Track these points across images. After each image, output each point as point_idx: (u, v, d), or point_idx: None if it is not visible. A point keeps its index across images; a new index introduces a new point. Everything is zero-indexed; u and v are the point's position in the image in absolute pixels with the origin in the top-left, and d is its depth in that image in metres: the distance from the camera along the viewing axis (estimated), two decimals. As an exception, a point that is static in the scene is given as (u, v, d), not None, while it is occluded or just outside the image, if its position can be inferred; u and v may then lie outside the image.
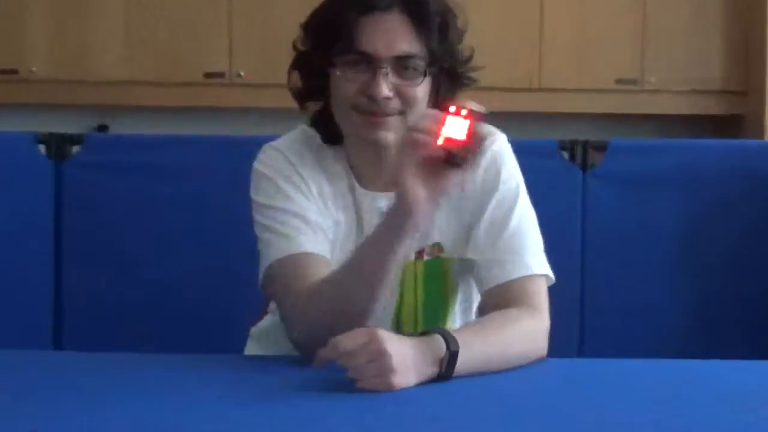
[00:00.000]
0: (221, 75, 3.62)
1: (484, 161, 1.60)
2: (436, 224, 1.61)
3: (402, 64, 1.51)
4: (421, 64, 1.52)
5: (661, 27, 3.66)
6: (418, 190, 1.36)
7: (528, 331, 1.49)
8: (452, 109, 1.33)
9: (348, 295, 1.45)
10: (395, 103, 1.52)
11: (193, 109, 3.70)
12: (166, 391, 1.33)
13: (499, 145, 1.63)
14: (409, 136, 1.36)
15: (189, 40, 3.62)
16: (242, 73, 3.60)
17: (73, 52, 3.58)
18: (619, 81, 3.64)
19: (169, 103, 3.66)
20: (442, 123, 1.33)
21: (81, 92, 3.61)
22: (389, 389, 1.30)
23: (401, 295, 1.61)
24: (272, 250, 1.55)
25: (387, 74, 1.50)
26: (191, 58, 3.61)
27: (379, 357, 1.30)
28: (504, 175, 1.61)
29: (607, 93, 3.65)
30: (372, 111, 1.52)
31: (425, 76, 1.53)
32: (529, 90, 3.62)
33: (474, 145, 1.34)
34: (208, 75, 3.62)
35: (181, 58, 3.61)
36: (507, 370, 1.44)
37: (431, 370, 1.35)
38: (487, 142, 1.61)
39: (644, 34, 3.65)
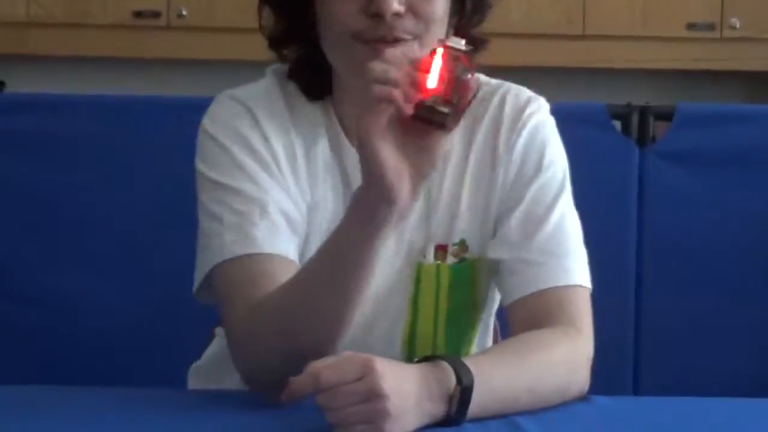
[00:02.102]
0: (156, 14, 3.63)
1: (523, 136, 1.62)
2: (460, 215, 1.63)
3: None
4: None
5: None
6: (397, 166, 1.34)
7: (567, 359, 1.51)
8: (436, 52, 1.32)
9: (303, 318, 1.44)
10: (408, 24, 1.53)
11: (117, 60, 3.71)
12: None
13: (542, 117, 1.65)
14: (381, 89, 1.33)
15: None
16: (184, 12, 3.61)
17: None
18: (691, 26, 3.67)
19: (85, 52, 3.67)
20: (422, 70, 1.32)
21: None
22: None
23: (415, 309, 1.64)
24: (217, 246, 1.55)
25: None
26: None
27: (373, 398, 1.28)
28: (548, 158, 1.63)
29: (675, 42, 3.67)
30: (380, 36, 1.52)
31: None
32: (571, 38, 3.65)
33: (464, 96, 1.33)
34: (137, 14, 3.63)
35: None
36: (536, 411, 1.45)
37: (436, 410, 1.35)
38: (495, 99, 1.64)
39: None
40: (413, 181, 1.36)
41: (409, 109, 1.32)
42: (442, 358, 1.38)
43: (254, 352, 1.48)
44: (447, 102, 1.32)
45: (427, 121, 1.34)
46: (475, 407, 1.37)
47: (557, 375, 1.49)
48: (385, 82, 1.33)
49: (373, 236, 1.38)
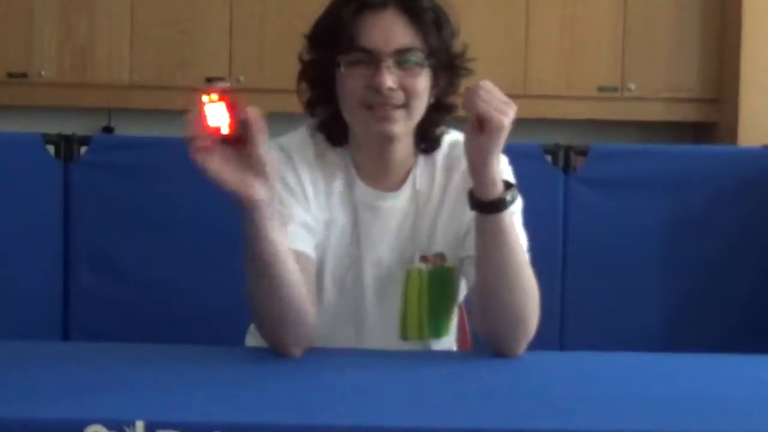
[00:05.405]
0: (221, 79, 3.63)
1: None
2: (438, 233, 1.63)
3: (402, 57, 1.55)
4: (420, 56, 1.56)
5: (641, 36, 3.68)
6: (231, 175, 1.36)
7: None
8: (205, 99, 1.34)
9: (254, 293, 1.46)
10: (399, 96, 1.55)
11: (194, 112, 3.71)
12: (165, 375, 1.36)
13: (500, 169, 1.60)
14: (186, 131, 1.35)
15: (191, 47, 3.63)
16: (241, 79, 3.61)
17: (80, 57, 3.60)
18: (600, 88, 3.67)
19: (171, 106, 3.67)
20: (203, 115, 1.34)
21: (88, 95, 3.62)
22: (501, 125, 1.45)
23: (406, 300, 1.63)
24: None
25: (389, 67, 1.54)
26: (193, 64, 3.63)
27: (510, 105, 1.46)
28: None
29: (589, 100, 3.66)
30: (379, 103, 1.54)
31: (424, 67, 1.56)
32: (516, 96, 3.64)
33: (236, 120, 1.34)
34: (208, 80, 3.63)
35: (183, 63, 3.63)
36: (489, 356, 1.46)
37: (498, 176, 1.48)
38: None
39: (625, 43, 3.67)
40: (247, 182, 1.37)
41: (209, 138, 1.34)
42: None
43: (258, 322, 1.53)
44: (231, 125, 1.34)
45: (227, 140, 1.36)
46: (505, 225, 1.48)
47: (535, 289, 1.53)
48: (189, 125, 1.34)
49: (252, 220, 1.39)
